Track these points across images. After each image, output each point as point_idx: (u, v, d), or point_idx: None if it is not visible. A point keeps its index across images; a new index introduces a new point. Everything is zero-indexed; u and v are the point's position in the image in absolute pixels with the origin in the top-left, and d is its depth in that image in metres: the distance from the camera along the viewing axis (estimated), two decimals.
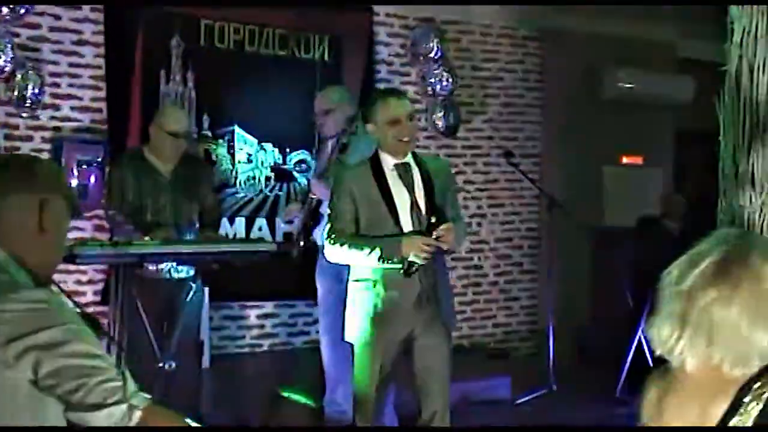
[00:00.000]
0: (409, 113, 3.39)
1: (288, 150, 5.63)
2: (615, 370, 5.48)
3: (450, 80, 5.98)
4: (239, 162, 5.54)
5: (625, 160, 7.11)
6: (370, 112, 3.41)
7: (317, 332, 4.80)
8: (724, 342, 1.44)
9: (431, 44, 5.93)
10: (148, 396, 1.72)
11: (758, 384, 1.46)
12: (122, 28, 5.13)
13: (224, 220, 5.21)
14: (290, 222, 4.56)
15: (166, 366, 3.55)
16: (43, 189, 1.80)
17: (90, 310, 4.53)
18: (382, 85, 6.00)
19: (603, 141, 6.78)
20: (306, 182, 5.31)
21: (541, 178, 6.46)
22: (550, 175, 6.57)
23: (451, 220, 3.36)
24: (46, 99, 4.94)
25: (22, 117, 4.90)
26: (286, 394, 4.66)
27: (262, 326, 5.70)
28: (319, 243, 4.29)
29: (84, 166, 4.95)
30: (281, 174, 5.61)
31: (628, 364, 5.45)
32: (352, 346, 3.44)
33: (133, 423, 1.66)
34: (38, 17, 4.96)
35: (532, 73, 6.70)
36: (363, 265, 3.36)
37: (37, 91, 4.80)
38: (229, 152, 5.50)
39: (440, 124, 6.06)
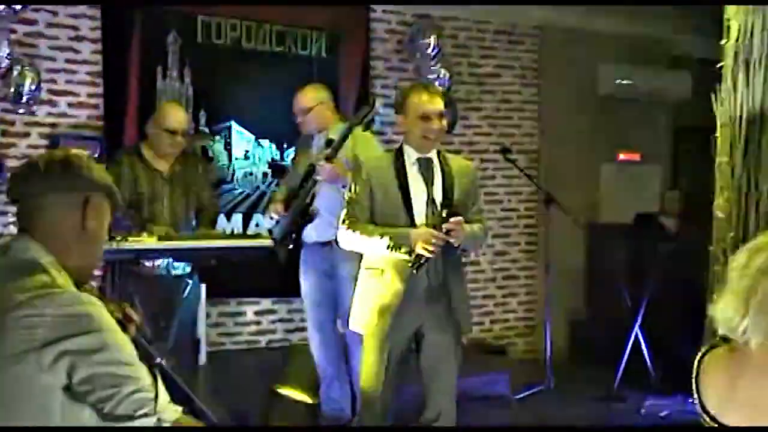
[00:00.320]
0: (440, 111, 3.39)
1: (285, 146, 5.62)
2: (612, 366, 5.49)
3: (447, 77, 5.97)
4: (236, 158, 5.54)
5: (622, 156, 7.11)
6: (402, 104, 3.41)
7: None
8: None
9: (428, 40, 5.93)
10: (179, 408, 1.70)
11: None
12: (119, 25, 5.11)
13: (221, 216, 5.22)
14: (274, 220, 4.44)
15: (163, 362, 3.54)
16: (86, 186, 1.77)
17: None
18: (378, 82, 6.00)
19: (600, 137, 6.79)
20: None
21: (538, 174, 6.46)
22: (547, 172, 6.57)
23: (471, 221, 3.37)
24: (43, 95, 4.93)
25: (18, 113, 4.89)
26: (283, 391, 4.66)
27: (258, 323, 5.70)
28: (309, 241, 4.28)
29: None
30: (278, 170, 5.60)
31: (625, 360, 5.46)
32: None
33: None
34: (35, 13, 4.94)
35: (529, 69, 6.70)
36: (373, 253, 3.37)
37: (33, 87, 4.78)
38: (226, 148, 5.49)
39: None
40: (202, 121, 5.39)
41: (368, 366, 3.42)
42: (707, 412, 1.63)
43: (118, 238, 3.53)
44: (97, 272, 5.00)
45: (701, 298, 3.79)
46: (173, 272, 4.03)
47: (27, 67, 4.76)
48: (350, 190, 3.45)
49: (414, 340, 3.43)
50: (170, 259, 3.97)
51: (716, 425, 1.61)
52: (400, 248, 3.25)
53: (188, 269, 3.98)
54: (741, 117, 3.51)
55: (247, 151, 5.56)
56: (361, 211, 3.37)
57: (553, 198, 5.56)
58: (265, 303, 5.70)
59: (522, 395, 5.32)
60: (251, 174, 5.59)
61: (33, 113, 4.94)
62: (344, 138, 3.93)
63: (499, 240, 6.59)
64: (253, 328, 5.68)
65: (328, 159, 3.94)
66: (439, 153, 3.46)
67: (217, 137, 5.46)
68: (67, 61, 5.07)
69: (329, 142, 4.09)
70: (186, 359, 4.03)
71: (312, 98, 4.31)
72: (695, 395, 1.67)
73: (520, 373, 5.62)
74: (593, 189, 6.87)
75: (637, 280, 5.56)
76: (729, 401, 1.63)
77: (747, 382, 1.61)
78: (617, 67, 6.77)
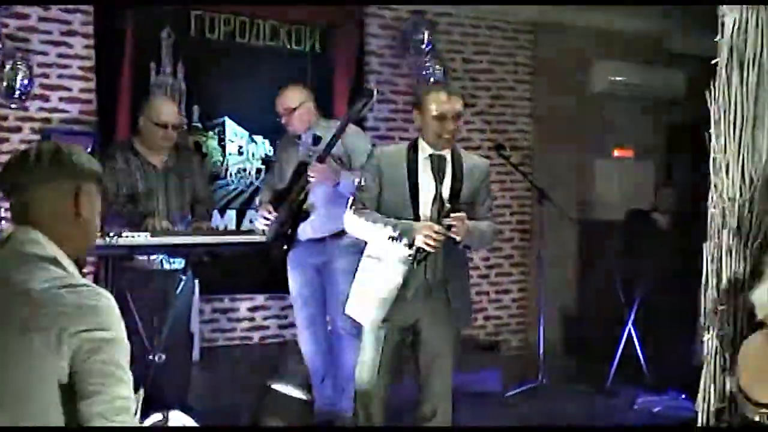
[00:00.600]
0: (457, 112, 3.39)
1: (278, 142, 5.60)
2: (605, 362, 5.50)
3: (441, 72, 5.97)
4: (230, 154, 5.53)
5: (615, 153, 7.13)
6: (421, 101, 3.42)
7: None
8: None
9: (422, 36, 5.92)
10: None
11: None
12: (112, 19, 5.10)
13: (215, 212, 5.20)
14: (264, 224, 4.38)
15: (156, 358, 3.53)
16: (78, 175, 1.83)
17: None
18: (372, 77, 6.00)
19: (594, 134, 6.80)
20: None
21: (531, 170, 6.46)
22: (540, 168, 6.57)
23: (480, 219, 3.39)
24: (35, 90, 4.92)
25: (11, 108, 4.87)
26: (276, 387, 4.65)
27: (252, 318, 5.70)
28: (303, 238, 4.27)
29: None
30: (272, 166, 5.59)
31: (618, 356, 5.47)
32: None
33: None
34: (27, 8, 4.93)
35: (523, 65, 6.70)
36: (375, 241, 3.39)
37: (26, 82, 4.77)
38: (219, 144, 5.48)
39: None
40: (196, 116, 5.38)
41: (364, 359, 3.45)
42: (741, 391, 1.66)
43: (112, 234, 3.50)
44: (90, 267, 5.00)
45: (694, 294, 3.79)
46: (167, 267, 4.01)
47: (19, 62, 4.75)
48: (362, 179, 3.49)
49: (411, 334, 3.44)
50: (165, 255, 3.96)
51: (748, 401, 1.63)
52: (401, 239, 3.26)
53: (182, 264, 3.95)
54: (735, 113, 3.51)
55: (240, 147, 5.55)
56: (369, 200, 3.41)
57: (546, 194, 5.57)
58: (259, 299, 5.70)
59: (515, 392, 5.33)
60: (245, 170, 5.58)
61: (25, 108, 4.92)
62: (342, 130, 3.94)
63: None
64: (246, 324, 5.67)
65: (320, 160, 3.96)
66: (453, 151, 3.47)
67: (211, 133, 5.45)
68: (60, 55, 5.05)
69: (316, 140, 4.11)
70: (179, 355, 4.01)
71: (296, 98, 4.33)
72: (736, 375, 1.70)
73: (513, 370, 5.63)
74: (586, 185, 6.88)
75: (630, 277, 5.57)
76: (760, 381, 1.67)
77: None
78: (611, 63, 6.78)
